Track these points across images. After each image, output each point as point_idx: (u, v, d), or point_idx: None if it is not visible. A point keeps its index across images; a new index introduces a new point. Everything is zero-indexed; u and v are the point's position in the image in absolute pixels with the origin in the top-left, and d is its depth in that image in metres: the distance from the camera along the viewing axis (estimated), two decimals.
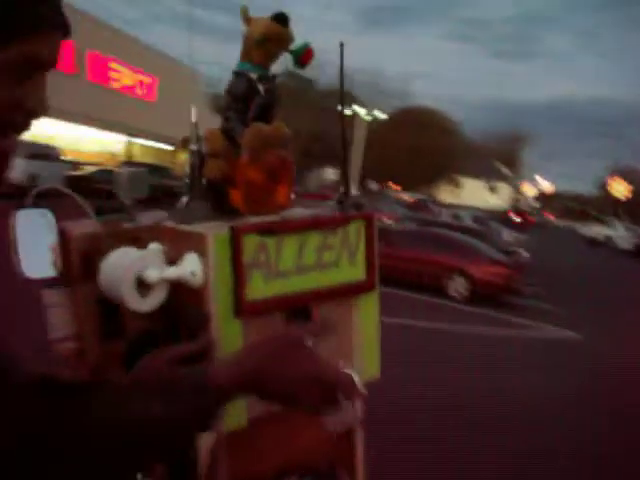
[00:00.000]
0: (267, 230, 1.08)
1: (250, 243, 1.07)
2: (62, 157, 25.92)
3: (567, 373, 8.30)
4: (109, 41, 30.33)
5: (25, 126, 0.71)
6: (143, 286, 1.07)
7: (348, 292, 1.19)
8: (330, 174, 46.71)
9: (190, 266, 1.06)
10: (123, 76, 33.14)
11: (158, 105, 34.68)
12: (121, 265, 1.06)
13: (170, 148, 35.34)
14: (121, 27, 32.12)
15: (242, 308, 1.06)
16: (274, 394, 0.87)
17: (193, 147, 1.19)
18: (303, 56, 1.19)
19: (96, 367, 1.26)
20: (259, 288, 1.08)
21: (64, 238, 1.27)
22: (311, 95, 47.91)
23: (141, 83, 34.65)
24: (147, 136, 34.77)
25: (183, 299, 1.09)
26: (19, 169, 21.75)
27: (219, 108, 1.30)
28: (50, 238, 1.30)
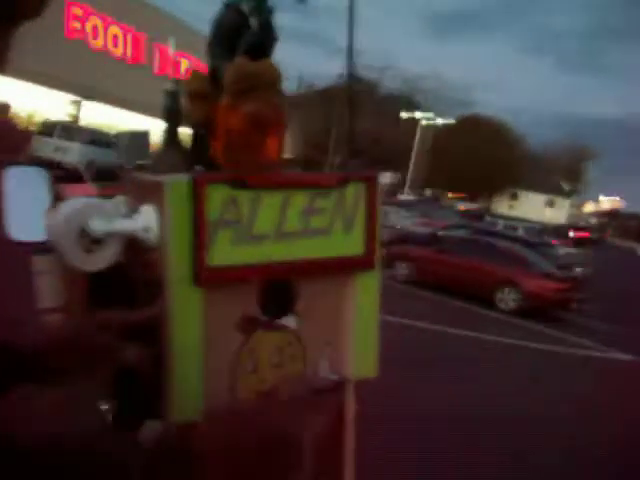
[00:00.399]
0: (240, 182, 0.89)
1: (217, 196, 0.88)
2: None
3: (613, 395, 7.85)
4: (177, 33, 30.78)
5: None
6: (91, 242, 0.90)
7: (341, 268, 0.99)
8: (387, 178, 46.33)
9: (144, 220, 0.89)
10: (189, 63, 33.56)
11: None
12: (64, 214, 0.89)
13: None
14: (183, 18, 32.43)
15: (202, 275, 0.87)
16: None
17: (169, 87, 1.01)
18: None
19: None
20: (225, 252, 0.89)
21: (57, 201, 1.11)
22: (372, 98, 47.64)
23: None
24: None
25: (138, 260, 0.92)
26: (78, 155, 22.27)
27: None
28: (44, 200, 1.15)
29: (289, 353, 1.00)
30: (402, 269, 13.25)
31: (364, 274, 1.02)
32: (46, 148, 22.24)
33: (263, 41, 1.02)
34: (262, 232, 0.92)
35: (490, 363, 8.14)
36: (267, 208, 0.92)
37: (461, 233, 16.81)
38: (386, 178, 46.13)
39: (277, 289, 0.97)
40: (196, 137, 1.02)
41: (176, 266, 0.87)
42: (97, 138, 23.79)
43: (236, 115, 0.97)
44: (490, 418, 5.80)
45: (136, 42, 29.61)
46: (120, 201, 0.92)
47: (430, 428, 5.15)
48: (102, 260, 0.91)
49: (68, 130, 23.48)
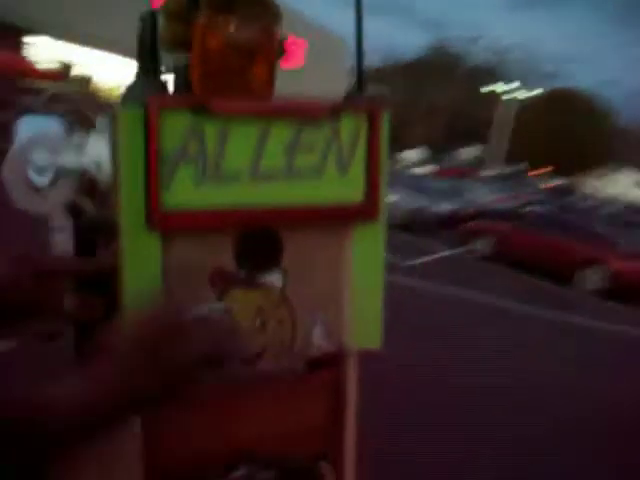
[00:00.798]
0: (201, 107, 0.74)
1: (175, 126, 0.74)
2: None
3: None
4: None
5: None
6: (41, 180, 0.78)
7: (335, 217, 0.83)
8: (471, 152, 45.03)
9: (94, 154, 0.75)
10: None
11: (304, 73, 34.94)
12: (11, 150, 0.77)
13: None
14: None
15: (155, 218, 0.73)
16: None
17: (144, 13, 0.87)
18: None
19: None
20: (187, 193, 0.75)
21: None
22: (458, 71, 46.29)
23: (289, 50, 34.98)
24: None
25: (93, 202, 0.79)
26: None
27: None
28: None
29: (274, 316, 0.86)
30: (481, 245, 12.84)
31: (365, 226, 0.85)
32: None
33: None
34: (233, 170, 0.77)
35: (569, 344, 7.74)
36: (239, 141, 0.77)
37: (543, 209, 16.13)
38: (469, 152, 44.90)
39: (257, 240, 0.82)
40: (177, 67, 0.87)
41: (127, 208, 0.73)
42: None
43: (215, 36, 0.82)
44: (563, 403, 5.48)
45: None
46: (75, 134, 0.79)
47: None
48: (54, 201, 0.79)
49: None
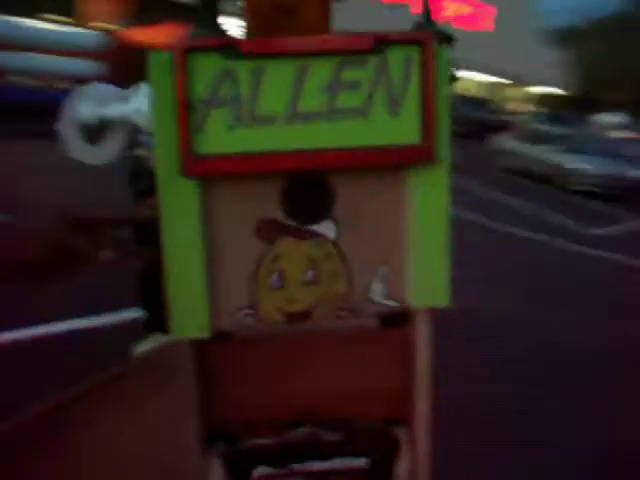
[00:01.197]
0: (232, 48, 0.71)
1: (206, 68, 0.71)
2: None
3: None
4: None
5: None
6: (94, 133, 0.80)
7: (389, 159, 0.76)
8: None
9: (136, 102, 0.76)
10: (458, 6, 32.52)
11: (494, 37, 33.47)
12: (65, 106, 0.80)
13: (506, 82, 34.13)
14: None
15: (187, 164, 0.72)
16: None
17: None
18: None
19: None
20: (220, 138, 0.73)
21: None
22: None
23: (477, 14, 33.66)
24: (482, 70, 34.03)
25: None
26: None
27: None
28: None
29: (327, 269, 0.81)
30: None
31: (425, 170, 0.77)
32: None
33: None
34: (269, 112, 0.73)
35: None
36: (275, 82, 0.73)
37: None
38: None
39: (305, 188, 0.78)
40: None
41: (162, 155, 0.73)
42: None
43: None
44: None
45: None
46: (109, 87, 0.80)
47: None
48: (107, 153, 0.81)
49: None
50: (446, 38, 0.85)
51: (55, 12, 13.07)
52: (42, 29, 12.45)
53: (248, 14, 0.81)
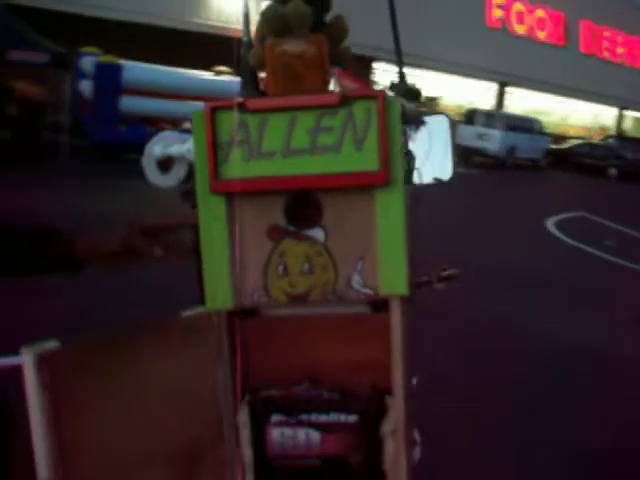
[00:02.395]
0: (242, 107, 1.04)
1: (228, 120, 1.05)
2: (544, 130, 26.11)
3: None
4: (602, 9, 28.91)
5: None
6: (164, 165, 1.17)
7: (354, 182, 1.05)
8: None
9: (190, 144, 1.11)
10: (616, 45, 31.28)
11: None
12: (147, 145, 1.18)
13: None
14: None
15: (213, 185, 1.05)
16: None
17: (244, 38, 1.20)
18: None
19: None
20: (238, 167, 1.06)
21: None
22: None
23: (635, 52, 32.12)
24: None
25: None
26: (498, 141, 22.87)
27: None
28: (446, 142, 1.43)
29: (319, 263, 1.11)
30: None
31: (384, 190, 1.05)
32: (469, 136, 23.43)
33: None
34: (270, 149, 1.05)
35: None
36: (274, 128, 1.05)
37: None
38: None
39: (301, 203, 1.09)
40: (253, 75, 1.18)
41: (200, 179, 1.07)
42: (519, 124, 24.07)
43: (277, 52, 1.11)
44: None
45: (557, 22, 28.83)
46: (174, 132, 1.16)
47: None
48: (173, 179, 1.17)
49: (490, 117, 24.24)
50: (414, 92, 1.14)
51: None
52: (211, 80, 13.83)
53: (268, 78, 1.14)
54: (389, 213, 1.05)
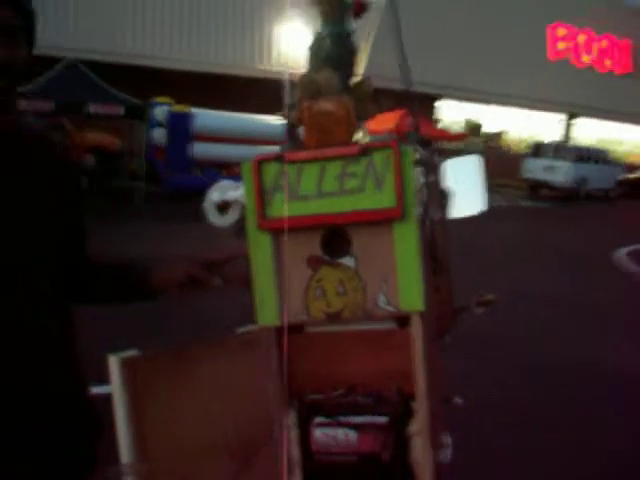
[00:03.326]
0: (281, 159, 1.28)
1: (271, 170, 1.29)
2: (614, 159, 25.58)
3: None
4: None
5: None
6: (221, 208, 1.42)
7: (376, 217, 1.26)
8: None
9: (242, 189, 1.36)
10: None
11: None
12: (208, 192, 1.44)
13: None
14: None
15: (260, 223, 1.29)
16: None
17: (287, 101, 1.45)
18: (354, 9, 1.32)
19: None
20: (280, 208, 1.29)
21: None
22: None
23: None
24: None
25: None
26: (567, 173, 22.55)
27: None
28: (479, 179, 1.66)
29: (350, 286, 1.32)
30: None
31: (400, 224, 1.26)
32: (536, 169, 23.21)
33: (338, 53, 1.37)
34: (306, 193, 1.28)
35: None
36: (308, 175, 1.28)
37: None
38: None
39: (334, 236, 1.31)
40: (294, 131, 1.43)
41: (250, 218, 1.31)
42: (587, 155, 23.71)
43: (312, 112, 1.35)
44: None
45: (624, 50, 28.39)
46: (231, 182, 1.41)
47: None
48: (229, 219, 1.41)
49: (557, 149, 23.96)
50: (426, 142, 1.35)
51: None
52: (277, 125, 14.35)
53: (305, 132, 1.37)
54: (405, 242, 1.26)
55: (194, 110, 14.20)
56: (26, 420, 1.24)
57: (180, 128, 13.99)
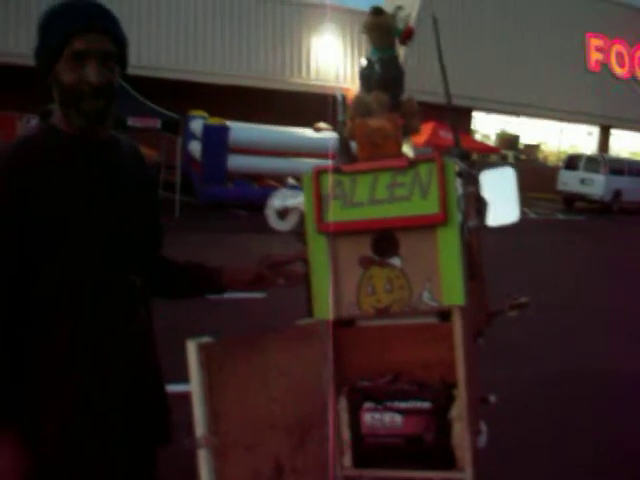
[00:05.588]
0: (338, 170, 1.45)
1: (327, 180, 1.46)
2: None
3: None
4: None
5: (93, 94, 1.34)
6: (281, 214, 1.59)
7: (422, 222, 1.42)
8: None
9: (301, 197, 1.53)
10: None
11: None
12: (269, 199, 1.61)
13: None
14: None
15: (318, 227, 1.46)
16: None
17: (340, 118, 1.61)
18: (403, 35, 1.49)
19: None
20: (336, 213, 1.46)
21: None
22: None
23: None
24: None
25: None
26: (602, 185, 22.33)
27: None
28: (513, 190, 1.79)
29: (397, 284, 1.48)
30: None
31: (443, 228, 1.41)
32: (571, 181, 23.03)
33: (387, 77, 1.53)
34: (359, 200, 1.45)
35: None
36: (361, 185, 1.44)
37: None
38: None
39: (384, 238, 1.47)
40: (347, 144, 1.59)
41: (309, 222, 1.48)
42: (624, 167, 23.45)
43: (363, 128, 1.52)
44: None
45: None
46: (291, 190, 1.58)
47: None
48: (288, 224, 1.58)
49: (593, 162, 23.73)
50: (465, 155, 1.50)
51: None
52: (311, 137, 14.54)
53: (358, 147, 1.54)
54: (448, 244, 1.42)
55: (229, 123, 14.48)
56: (129, 403, 1.43)
57: (215, 141, 14.25)
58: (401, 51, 1.58)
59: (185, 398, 1.33)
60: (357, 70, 1.59)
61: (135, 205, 1.46)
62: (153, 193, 1.58)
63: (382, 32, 1.51)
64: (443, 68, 1.77)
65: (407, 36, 1.50)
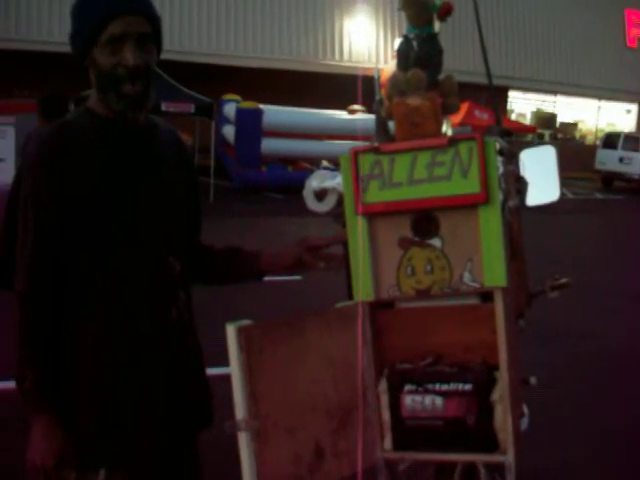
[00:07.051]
0: (376, 150, 1.42)
1: (367, 160, 1.44)
2: None
3: None
4: None
5: (131, 77, 1.33)
6: (319, 195, 1.57)
7: (462, 202, 1.39)
8: None
9: (340, 180, 1.51)
10: None
11: None
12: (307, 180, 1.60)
13: None
14: None
15: (357, 208, 1.44)
16: None
17: (376, 97, 1.59)
18: (441, 11, 1.45)
19: None
20: (375, 194, 1.43)
21: None
22: None
23: None
24: None
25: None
26: None
27: None
28: (553, 168, 1.78)
29: (438, 265, 1.45)
30: None
31: (485, 208, 1.38)
32: (610, 160, 22.53)
33: (424, 54, 1.50)
34: (398, 180, 1.42)
35: None
36: (400, 165, 1.42)
37: None
38: None
39: (423, 219, 1.44)
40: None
41: (347, 204, 1.46)
42: None
43: (402, 107, 1.49)
44: None
45: None
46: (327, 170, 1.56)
47: None
48: (327, 206, 1.57)
49: (631, 140, 23.14)
50: (506, 133, 1.47)
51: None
52: (345, 119, 14.42)
53: (396, 126, 1.51)
54: (489, 224, 1.39)
55: (262, 106, 14.47)
56: (169, 387, 1.45)
57: (249, 124, 14.26)
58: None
59: (226, 380, 1.34)
60: (390, 51, 1.56)
61: (174, 189, 1.46)
62: (192, 177, 1.58)
63: (419, 8, 1.47)
64: (484, 48, 1.73)
65: (445, 12, 1.46)
